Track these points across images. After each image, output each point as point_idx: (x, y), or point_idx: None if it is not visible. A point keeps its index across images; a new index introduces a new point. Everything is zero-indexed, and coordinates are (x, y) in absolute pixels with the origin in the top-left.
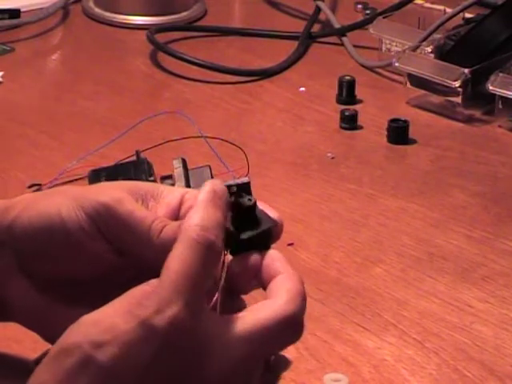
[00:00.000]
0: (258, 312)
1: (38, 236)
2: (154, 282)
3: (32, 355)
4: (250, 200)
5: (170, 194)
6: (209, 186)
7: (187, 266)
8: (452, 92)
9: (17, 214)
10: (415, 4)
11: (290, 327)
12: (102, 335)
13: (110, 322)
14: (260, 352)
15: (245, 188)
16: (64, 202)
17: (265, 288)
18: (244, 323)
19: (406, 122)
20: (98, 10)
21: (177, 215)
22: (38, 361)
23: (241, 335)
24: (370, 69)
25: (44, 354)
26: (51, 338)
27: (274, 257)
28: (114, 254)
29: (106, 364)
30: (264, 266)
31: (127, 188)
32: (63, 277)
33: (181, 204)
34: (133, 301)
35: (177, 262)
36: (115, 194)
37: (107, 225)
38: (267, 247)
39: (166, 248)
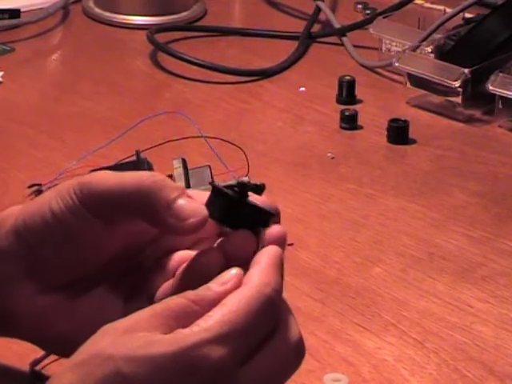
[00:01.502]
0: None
1: (36, 236)
2: (193, 297)
3: (32, 355)
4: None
5: None
6: (277, 251)
7: (249, 314)
8: (452, 92)
9: (13, 222)
10: (415, 4)
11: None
12: (137, 351)
13: (149, 338)
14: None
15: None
16: (50, 196)
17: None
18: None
19: (406, 121)
20: (97, 10)
21: None
22: (36, 362)
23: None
24: (370, 69)
25: (44, 355)
26: (54, 348)
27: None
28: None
29: (132, 381)
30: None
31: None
32: (67, 275)
33: None
34: (173, 316)
35: (237, 304)
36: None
37: (92, 200)
38: (263, 226)
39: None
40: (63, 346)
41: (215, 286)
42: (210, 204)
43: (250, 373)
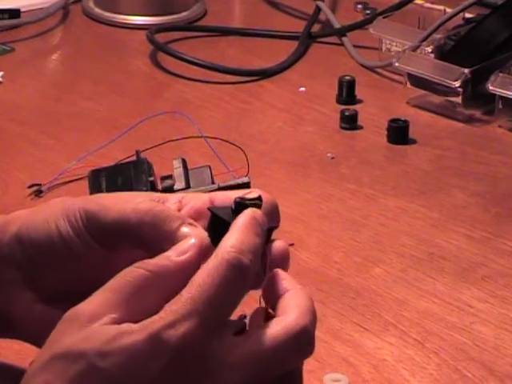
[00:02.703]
0: (268, 330)
1: (39, 250)
2: (152, 267)
3: (32, 355)
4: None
5: (167, 202)
6: (249, 212)
7: (212, 285)
8: (452, 92)
9: (17, 230)
10: (415, 4)
11: (302, 342)
12: (109, 344)
13: (117, 330)
14: (267, 370)
15: (245, 188)
16: (57, 214)
17: (272, 307)
18: (250, 343)
19: (406, 121)
20: (97, 10)
21: None
22: None
23: (245, 357)
24: (370, 69)
25: None
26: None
27: (280, 275)
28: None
29: (110, 374)
30: (271, 285)
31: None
32: (67, 288)
33: (180, 209)
34: (134, 291)
35: (202, 278)
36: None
37: (96, 229)
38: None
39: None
40: None
41: (174, 254)
42: (210, 228)
43: (228, 347)
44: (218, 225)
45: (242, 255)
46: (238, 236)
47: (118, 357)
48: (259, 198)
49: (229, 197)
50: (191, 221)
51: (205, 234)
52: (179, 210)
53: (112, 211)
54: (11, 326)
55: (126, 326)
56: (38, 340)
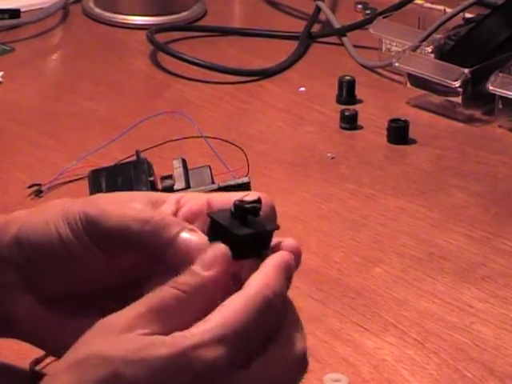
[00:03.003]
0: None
1: (38, 252)
2: (184, 287)
3: (31, 355)
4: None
5: (165, 203)
6: (287, 256)
7: (246, 316)
8: (452, 92)
9: (16, 232)
10: (415, 4)
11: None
12: (135, 354)
13: (147, 340)
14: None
15: (245, 188)
16: (57, 216)
17: None
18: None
19: (406, 121)
20: (97, 10)
21: None
22: (37, 362)
23: None
24: (370, 69)
25: (45, 355)
26: (55, 350)
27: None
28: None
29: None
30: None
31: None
32: (66, 290)
33: (178, 210)
34: (166, 309)
35: (237, 305)
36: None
37: (96, 234)
38: (266, 248)
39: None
40: (64, 349)
41: (201, 269)
42: (210, 233)
43: (248, 377)
44: (217, 230)
45: (275, 296)
46: (276, 276)
47: (142, 367)
48: (258, 201)
49: (227, 198)
50: (191, 226)
51: (206, 239)
52: (177, 211)
53: (112, 217)
54: (11, 327)
55: (155, 338)
56: (38, 340)
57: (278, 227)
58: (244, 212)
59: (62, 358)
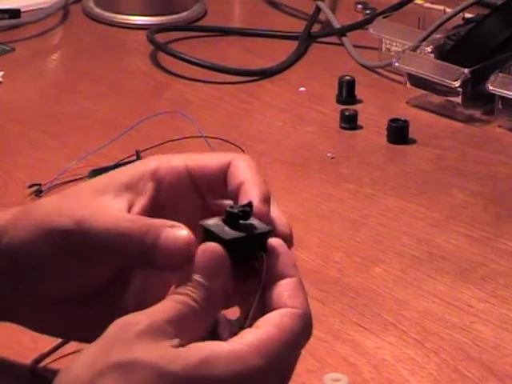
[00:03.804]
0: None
1: (27, 263)
2: (195, 303)
3: (31, 355)
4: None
5: (140, 180)
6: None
7: (289, 335)
8: (452, 92)
9: (7, 241)
10: (415, 4)
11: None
12: (197, 369)
13: (207, 354)
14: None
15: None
16: (38, 234)
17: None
18: None
19: (406, 121)
20: (98, 10)
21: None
22: (38, 361)
23: None
24: (370, 69)
25: (44, 355)
26: (62, 335)
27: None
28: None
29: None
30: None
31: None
32: (65, 294)
33: (157, 184)
34: (184, 321)
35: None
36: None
37: (79, 245)
38: (263, 250)
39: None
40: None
41: (207, 281)
42: (204, 242)
43: None
44: (211, 238)
45: (309, 316)
46: (304, 295)
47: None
48: (249, 205)
49: (204, 162)
50: (171, 223)
51: (192, 237)
52: (156, 186)
53: (91, 232)
54: (14, 316)
55: (218, 352)
56: (49, 333)
57: (271, 229)
58: (235, 217)
59: (97, 352)
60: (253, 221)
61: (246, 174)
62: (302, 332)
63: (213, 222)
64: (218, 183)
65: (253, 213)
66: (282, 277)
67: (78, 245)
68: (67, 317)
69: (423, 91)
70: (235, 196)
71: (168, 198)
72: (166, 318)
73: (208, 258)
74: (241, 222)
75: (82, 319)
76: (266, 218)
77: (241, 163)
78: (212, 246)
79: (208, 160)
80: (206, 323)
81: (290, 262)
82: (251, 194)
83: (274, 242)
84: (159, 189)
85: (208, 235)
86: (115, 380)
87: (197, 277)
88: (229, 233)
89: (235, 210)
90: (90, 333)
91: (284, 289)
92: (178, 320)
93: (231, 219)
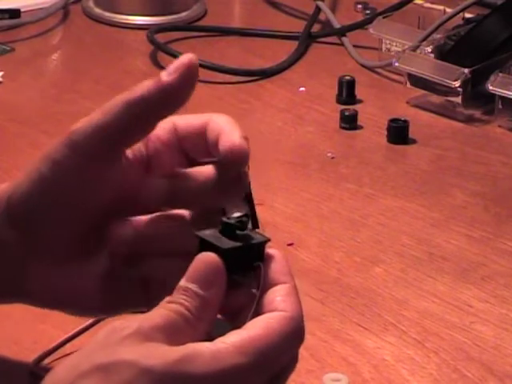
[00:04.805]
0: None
1: (29, 210)
2: (188, 313)
3: (31, 355)
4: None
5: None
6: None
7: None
8: (452, 92)
9: (5, 205)
10: (415, 4)
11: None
12: (176, 366)
13: (185, 352)
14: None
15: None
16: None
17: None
18: None
19: (406, 121)
20: (98, 10)
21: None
22: (37, 361)
23: None
24: (370, 69)
25: (44, 355)
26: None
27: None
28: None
29: None
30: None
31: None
32: (67, 240)
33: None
34: (179, 328)
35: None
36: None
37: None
38: (260, 260)
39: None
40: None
41: (203, 291)
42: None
43: None
44: (207, 249)
45: (300, 317)
46: (297, 300)
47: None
48: (246, 215)
49: (191, 121)
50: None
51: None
52: (146, 144)
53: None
54: (25, 297)
55: (200, 353)
56: (51, 303)
57: (268, 239)
58: (232, 227)
59: (87, 355)
60: (249, 231)
61: (224, 125)
62: (290, 334)
63: (209, 233)
64: (200, 140)
65: (240, 164)
66: (276, 284)
67: (84, 141)
68: (72, 278)
69: (423, 91)
70: (215, 146)
71: (155, 149)
72: (155, 325)
73: (204, 267)
74: (237, 232)
75: (86, 285)
76: (247, 154)
77: (219, 118)
78: (208, 256)
79: (191, 119)
80: (199, 333)
81: (285, 270)
82: (231, 135)
83: (269, 250)
84: (148, 139)
85: (204, 245)
86: (98, 380)
87: (192, 286)
88: (225, 242)
89: (232, 221)
90: (92, 303)
91: (276, 294)
92: (168, 328)
93: (228, 229)
